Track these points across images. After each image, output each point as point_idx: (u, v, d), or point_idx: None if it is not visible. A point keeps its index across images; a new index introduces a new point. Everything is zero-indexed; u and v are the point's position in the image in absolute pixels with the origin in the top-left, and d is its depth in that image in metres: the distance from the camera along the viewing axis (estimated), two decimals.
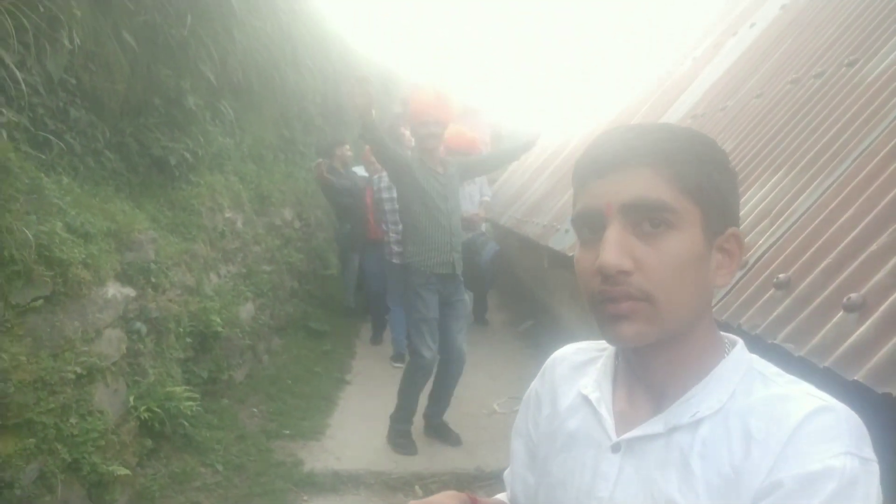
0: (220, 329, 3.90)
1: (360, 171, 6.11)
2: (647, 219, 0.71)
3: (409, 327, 3.81)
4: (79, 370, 2.61)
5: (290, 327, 5.58)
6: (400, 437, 3.80)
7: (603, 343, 0.90)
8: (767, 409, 0.69)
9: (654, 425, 0.75)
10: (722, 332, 0.80)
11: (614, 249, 0.70)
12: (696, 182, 0.72)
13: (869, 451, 0.65)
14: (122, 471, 2.72)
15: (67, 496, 2.48)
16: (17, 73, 2.64)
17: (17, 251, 2.35)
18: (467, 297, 5.00)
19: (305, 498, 3.41)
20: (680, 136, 0.74)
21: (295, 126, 6.65)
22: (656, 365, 0.77)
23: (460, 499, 0.86)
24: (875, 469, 0.65)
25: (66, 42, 2.95)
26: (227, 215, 4.74)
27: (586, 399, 0.84)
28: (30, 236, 2.40)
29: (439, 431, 3.95)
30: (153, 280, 3.35)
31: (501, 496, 1.03)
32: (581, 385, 0.86)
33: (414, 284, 3.67)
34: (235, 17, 4.81)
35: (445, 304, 3.75)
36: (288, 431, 3.97)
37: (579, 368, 0.90)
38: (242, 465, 3.51)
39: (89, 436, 2.58)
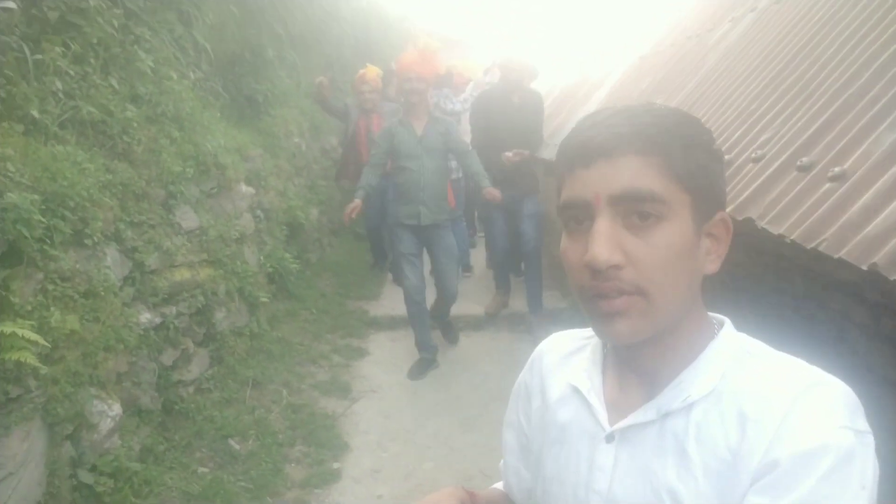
0: (303, 222, 5.50)
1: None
2: (636, 210, 0.69)
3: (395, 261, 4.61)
4: (236, 234, 4.21)
5: (341, 230, 7.16)
6: (424, 366, 4.43)
7: (590, 331, 0.87)
8: (760, 389, 0.69)
9: (646, 412, 0.74)
10: (710, 313, 0.79)
11: (604, 243, 0.68)
12: (685, 168, 0.70)
13: (863, 423, 0.66)
14: (264, 299, 4.36)
15: (239, 308, 4.13)
16: (185, 44, 4.15)
17: (202, 157, 3.91)
18: (454, 240, 4.62)
19: (372, 331, 5.08)
20: (667, 119, 0.72)
21: (335, 67, 8.07)
22: (647, 354, 0.76)
23: (458, 496, 0.88)
24: (870, 441, 0.66)
25: (206, 20, 4.42)
26: (295, 140, 6.27)
27: (576, 390, 0.83)
28: (210, 148, 3.96)
29: (443, 328, 4.78)
30: (262, 183, 4.93)
31: (499, 485, 1.04)
32: (570, 375, 0.85)
33: (391, 225, 4.47)
34: None
35: (428, 246, 4.35)
36: (353, 294, 5.63)
37: (567, 358, 0.89)
38: (327, 310, 5.19)
39: (247, 274, 4.21)
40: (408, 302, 4.39)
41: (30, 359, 2.07)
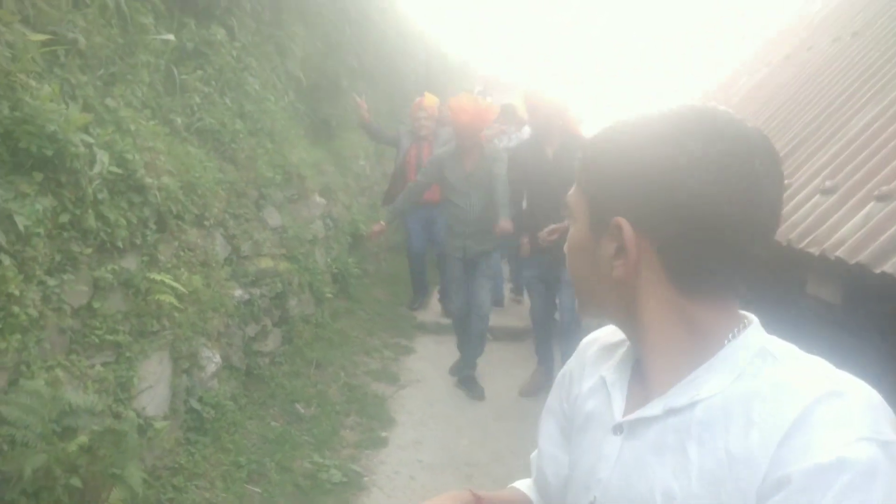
0: (364, 234, 6.22)
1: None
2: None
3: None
4: (309, 236, 4.94)
5: (395, 248, 7.87)
6: (468, 382, 4.69)
7: None
8: (772, 393, 0.67)
9: (653, 407, 0.75)
10: (741, 312, 0.78)
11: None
12: (587, 170, 0.79)
13: (890, 433, 0.62)
14: (328, 295, 5.06)
15: (308, 299, 4.84)
16: (280, 72, 4.96)
17: (288, 168, 4.66)
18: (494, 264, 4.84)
19: (419, 334, 5.72)
20: (603, 132, 0.79)
21: (397, 99, 8.91)
22: (638, 348, 0.81)
23: (463, 498, 0.91)
24: None
25: (297, 51, 5.25)
26: (361, 162, 7.05)
27: (604, 381, 0.86)
28: (295, 160, 4.72)
29: (464, 383, 4.69)
30: (332, 196, 5.68)
31: (519, 483, 1.07)
32: (604, 367, 0.88)
33: (444, 253, 4.84)
34: (370, 22, 7.07)
35: (471, 271, 4.58)
36: (403, 302, 6.29)
37: (608, 350, 0.91)
38: (380, 313, 5.87)
39: (316, 271, 4.92)
40: (455, 325, 4.81)
41: (170, 300, 2.78)
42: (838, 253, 1.68)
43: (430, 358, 5.29)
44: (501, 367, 5.20)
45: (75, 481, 2.03)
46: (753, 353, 0.72)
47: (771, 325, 0.76)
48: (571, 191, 0.81)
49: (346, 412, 4.17)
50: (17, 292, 1.97)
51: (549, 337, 4.69)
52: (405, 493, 3.47)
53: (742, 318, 0.77)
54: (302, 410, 4.00)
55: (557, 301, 4.57)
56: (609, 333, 0.94)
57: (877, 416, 0.63)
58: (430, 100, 5.89)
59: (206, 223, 3.45)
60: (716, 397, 0.71)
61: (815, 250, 1.74)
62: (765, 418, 0.65)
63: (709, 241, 0.71)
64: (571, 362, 0.98)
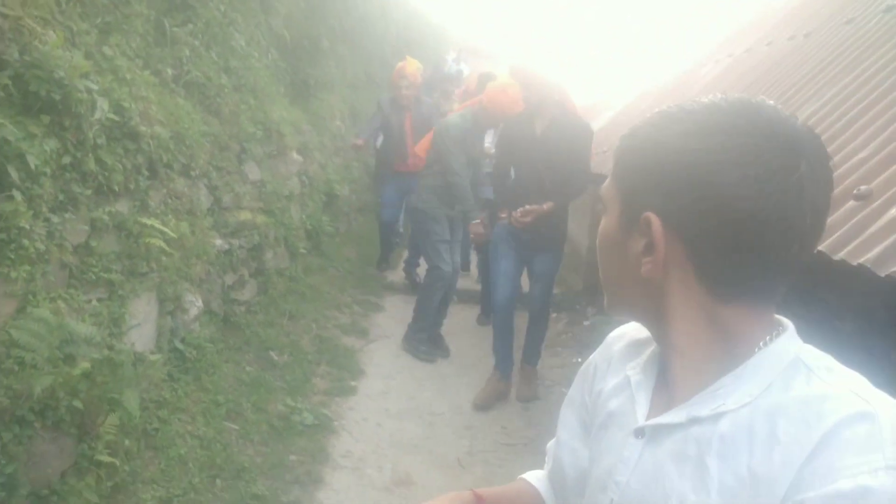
0: (338, 194, 6.38)
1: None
2: None
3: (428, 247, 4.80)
4: (286, 192, 5.08)
5: (365, 209, 8.02)
6: (422, 345, 4.82)
7: None
8: (800, 410, 0.64)
9: (676, 414, 0.73)
10: (776, 317, 0.74)
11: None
12: (619, 167, 0.77)
13: None
14: (302, 250, 5.24)
15: (282, 253, 5.00)
16: (263, 29, 5.04)
17: (269, 124, 4.78)
18: None
19: (388, 293, 5.94)
20: (635, 128, 0.77)
21: (375, 61, 8.98)
22: (664, 351, 0.78)
23: (463, 499, 0.91)
24: None
25: (280, 9, 5.32)
26: (337, 123, 7.16)
27: (629, 380, 0.84)
28: (275, 118, 4.84)
29: (435, 341, 4.93)
30: (309, 155, 5.81)
31: (529, 474, 1.05)
32: (630, 365, 0.86)
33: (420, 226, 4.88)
34: None
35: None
36: (372, 262, 6.49)
37: (636, 347, 0.88)
38: (351, 271, 6.08)
39: (291, 226, 5.08)
40: (433, 286, 4.79)
41: (160, 244, 2.94)
42: None
43: (398, 316, 5.52)
44: (465, 329, 5.47)
45: (77, 403, 2.22)
46: (786, 364, 0.69)
47: None
48: (606, 183, 0.79)
49: (317, 362, 4.39)
50: (26, 226, 2.12)
51: (511, 333, 4.32)
52: (372, 438, 3.72)
53: (776, 325, 0.73)
54: (276, 358, 4.20)
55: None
56: (637, 329, 0.90)
57: None
58: (412, 65, 5.73)
59: (192, 173, 3.58)
60: (742, 410, 0.68)
61: None
62: (789, 437, 0.62)
63: (743, 243, 0.67)
64: (596, 356, 0.96)
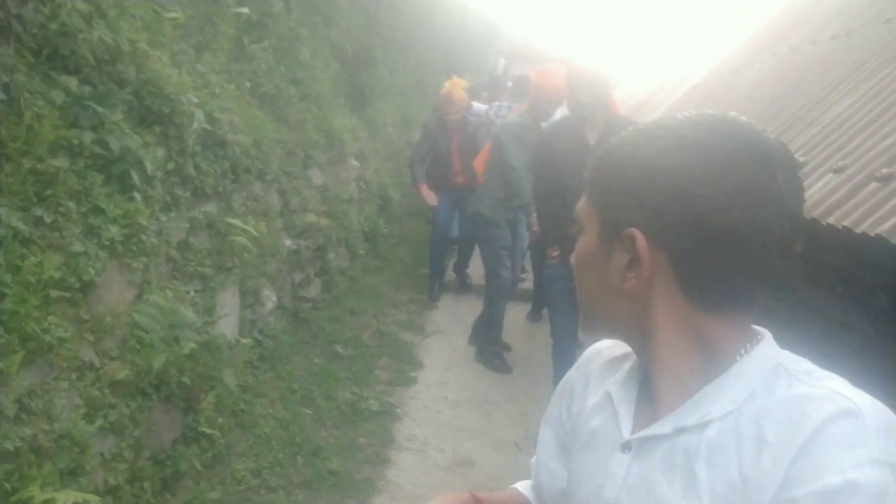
0: (392, 198, 6.68)
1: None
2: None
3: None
4: (346, 196, 5.40)
5: (416, 213, 8.31)
6: (496, 358, 4.83)
7: None
8: (785, 412, 0.66)
9: (662, 426, 0.74)
10: (754, 327, 0.76)
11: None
12: (597, 185, 0.79)
13: None
14: (361, 251, 5.54)
15: (343, 254, 5.31)
16: (325, 42, 5.37)
17: (331, 132, 5.10)
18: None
19: (441, 292, 6.19)
20: (616, 143, 0.79)
21: (425, 70, 9.28)
22: (651, 369, 0.79)
23: (462, 500, 0.91)
24: None
25: (341, 22, 5.65)
26: (389, 130, 7.47)
27: (610, 397, 0.84)
28: (337, 126, 5.16)
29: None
30: (365, 161, 6.12)
31: (521, 484, 1.06)
32: (610, 382, 0.86)
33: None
34: None
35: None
36: (425, 264, 6.76)
37: (613, 364, 0.89)
38: (406, 272, 6.37)
39: (351, 229, 5.38)
40: (499, 297, 4.81)
41: (244, 241, 3.26)
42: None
43: (451, 313, 5.78)
44: (520, 325, 5.69)
45: (185, 379, 2.53)
46: (767, 370, 0.71)
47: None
48: (581, 203, 0.80)
49: (378, 354, 4.67)
50: (144, 223, 2.43)
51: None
52: (433, 424, 3.98)
53: (755, 333, 0.76)
54: (341, 351, 4.49)
55: None
56: (613, 346, 0.92)
57: (891, 438, 0.62)
58: (458, 92, 5.60)
59: (267, 178, 3.90)
60: (727, 417, 0.70)
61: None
62: (777, 438, 0.64)
63: (726, 254, 0.70)
64: (573, 375, 0.96)
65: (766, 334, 0.76)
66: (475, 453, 3.69)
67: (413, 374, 4.53)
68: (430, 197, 5.78)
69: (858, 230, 1.81)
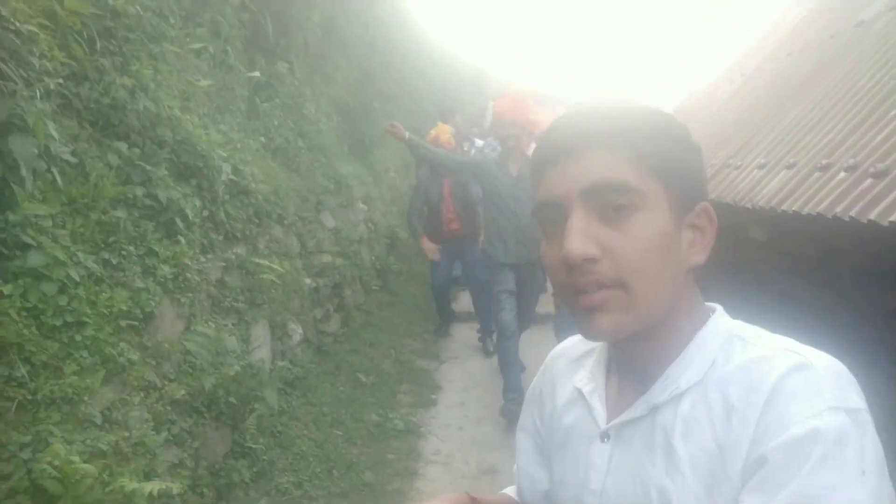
0: (400, 236, 7.05)
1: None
2: (610, 202, 0.71)
3: (493, 300, 4.45)
4: (357, 237, 5.77)
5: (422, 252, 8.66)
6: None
7: None
8: (744, 375, 0.70)
9: (636, 408, 0.77)
10: (706, 303, 0.80)
11: (578, 237, 0.70)
12: (657, 158, 0.72)
13: (856, 399, 0.65)
14: (374, 287, 5.88)
15: (358, 290, 5.65)
16: (326, 97, 5.83)
17: (338, 178, 5.51)
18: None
19: (453, 321, 6.51)
20: (636, 113, 0.75)
21: (418, 116, 9.77)
22: (639, 350, 0.78)
23: (460, 500, 0.90)
24: (866, 418, 0.64)
25: (339, 79, 6.12)
26: (391, 174, 7.90)
27: (580, 393, 0.86)
28: (343, 172, 5.57)
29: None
30: (371, 204, 6.52)
31: (510, 489, 1.07)
32: (576, 379, 0.89)
33: (493, 266, 4.40)
34: (394, 50, 7.96)
35: (521, 284, 4.42)
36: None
37: (577, 361, 0.92)
38: (417, 305, 6.70)
39: (364, 267, 5.74)
40: (502, 338, 4.43)
41: (272, 278, 3.61)
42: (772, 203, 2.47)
43: (464, 340, 6.09)
44: (533, 344, 5.98)
45: (232, 399, 2.85)
46: (722, 340, 0.75)
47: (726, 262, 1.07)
48: (633, 174, 0.72)
49: (399, 381, 4.98)
50: (189, 263, 2.80)
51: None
52: (456, 439, 4.26)
53: (709, 308, 0.80)
54: (363, 379, 4.80)
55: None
56: (572, 346, 0.95)
57: (842, 384, 0.66)
58: (444, 135, 5.67)
59: (285, 222, 4.29)
60: (695, 389, 0.73)
61: (749, 204, 2.52)
62: (742, 401, 0.68)
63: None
64: (539, 380, 0.99)
65: (717, 307, 0.81)
66: (498, 463, 3.96)
67: (433, 397, 4.83)
68: (432, 250, 5.72)
69: (804, 211, 2.14)
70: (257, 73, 4.13)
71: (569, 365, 0.94)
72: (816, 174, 2.14)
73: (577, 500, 0.82)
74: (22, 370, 1.83)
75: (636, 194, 0.71)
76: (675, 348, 0.77)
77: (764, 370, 0.68)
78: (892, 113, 1.96)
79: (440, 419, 4.53)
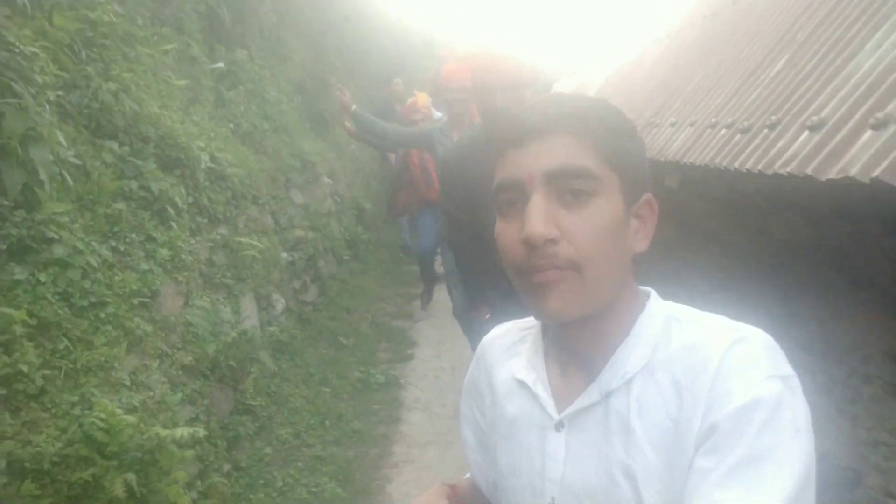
0: (365, 207, 7.42)
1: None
2: (570, 187, 0.74)
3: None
4: (325, 211, 6.12)
5: (389, 221, 9.04)
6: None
7: (529, 321, 0.95)
8: (688, 355, 0.75)
9: (589, 396, 0.80)
10: (639, 287, 0.85)
11: (540, 218, 0.73)
12: (613, 149, 0.77)
13: (786, 367, 0.73)
14: (346, 257, 6.26)
15: (331, 261, 6.03)
16: (285, 77, 6.11)
17: (303, 156, 5.83)
18: None
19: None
20: (596, 105, 0.79)
21: (372, 88, 10.04)
22: (585, 336, 0.81)
23: (444, 493, 0.95)
24: (796, 383, 0.72)
25: (296, 60, 6.39)
26: (353, 147, 8.21)
27: (521, 382, 0.88)
28: (307, 150, 5.89)
29: None
30: (336, 178, 6.86)
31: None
32: (514, 369, 0.90)
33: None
34: (346, 24, 8.20)
35: None
36: (404, 262, 7.51)
37: (509, 350, 0.94)
38: (388, 270, 7.10)
39: (334, 238, 6.10)
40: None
41: (254, 254, 3.98)
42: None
43: (436, 300, 6.53)
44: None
45: (232, 363, 3.25)
46: (661, 323, 0.80)
47: None
48: (593, 162, 0.76)
49: (377, 340, 5.42)
50: (182, 245, 3.16)
51: None
52: (434, 388, 4.73)
53: (645, 293, 0.85)
54: (344, 341, 5.23)
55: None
56: (503, 334, 0.98)
57: (774, 355, 0.73)
58: (423, 99, 5.69)
59: (259, 202, 4.63)
60: (644, 372, 0.77)
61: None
62: (690, 378, 0.73)
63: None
64: (473, 371, 1.01)
65: (651, 291, 0.86)
66: None
67: (410, 352, 5.28)
68: None
69: (697, 163, 2.59)
70: (220, 64, 4.42)
71: (502, 354, 0.96)
72: (708, 131, 2.58)
73: (534, 488, 0.85)
74: (65, 342, 2.20)
75: (595, 181, 0.75)
76: (620, 333, 0.81)
77: (707, 349, 0.74)
78: (761, 79, 2.40)
79: (418, 371, 4.99)
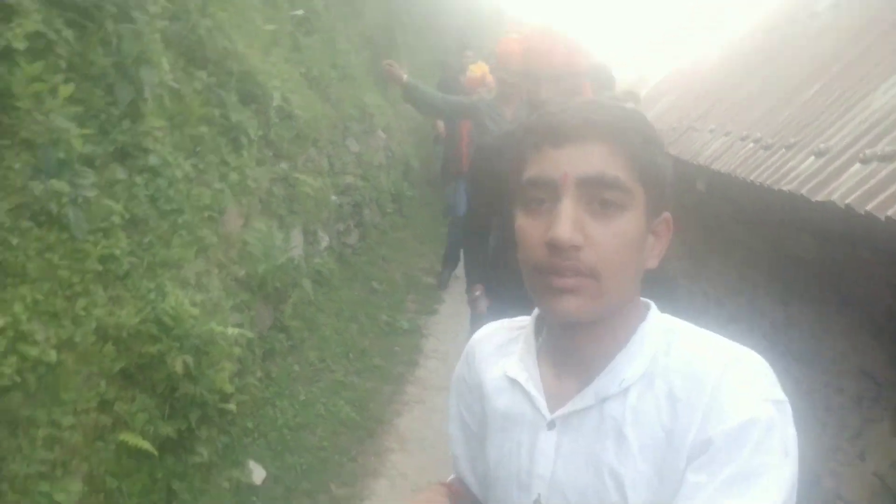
0: (414, 165, 7.76)
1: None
2: (599, 196, 0.76)
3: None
4: (377, 162, 6.48)
5: (433, 181, 9.37)
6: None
7: (520, 321, 0.98)
8: (686, 369, 0.78)
9: (584, 398, 0.83)
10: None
11: (569, 223, 0.75)
12: (644, 164, 0.78)
13: (779, 392, 0.76)
14: (389, 210, 6.63)
15: (375, 211, 6.41)
16: (355, 31, 6.42)
17: (364, 107, 6.17)
18: None
19: None
20: (634, 117, 0.81)
21: (437, 51, 10.30)
22: (585, 339, 0.84)
23: (439, 490, 0.98)
24: (788, 409, 0.75)
25: (366, 13, 6.69)
26: (408, 106, 8.50)
27: (514, 381, 0.90)
28: (368, 102, 6.23)
29: None
30: (390, 133, 7.20)
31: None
32: (506, 366, 0.93)
33: None
34: None
35: None
36: (444, 222, 7.85)
37: (501, 349, 0.97)
38: (427, 229, 7.44)
39: (381, 190, 6.47)
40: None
41: (308, 191, 4.36)
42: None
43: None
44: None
45: (277, 284, 3.65)
46: (660, 334, 0.84)
47: None
48: (625, 175, 0.77)
49: (406, 291, 5.82)
50: (248, 172, 3.54)
51: None
52: (453, 341, 5.10)
53: (645, 304, 0.88)
54: (377, 286, 5.63)
55: None
56: (493, 333, 1.01)
57: (770, 379, 0.76)
58: (480, 70, 5.57)
59: (319, 145, 5.01)
60: (642, 380, 0.80)
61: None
62: (687, 392, 0.76)
63: None
64: (462, 369, 1.03)
65: (651, 303, 0.88)
66: None
67: (435, 307, 5.67)
68: None
69: (722, 171, 2.85)
70: (300, 11, 4.77)
71: (493, 352, 0.98)
72: (738, 142, 2.84)
73: (521, 483, 0.87)
74: (150, 237, 2.61)
75: (625, 194, 0.77)
76: (621, 340, 0.83)
77: (705, 366, 0.77)
78: (794, 101, 2.65)
79: (441, 325, 5.38)
